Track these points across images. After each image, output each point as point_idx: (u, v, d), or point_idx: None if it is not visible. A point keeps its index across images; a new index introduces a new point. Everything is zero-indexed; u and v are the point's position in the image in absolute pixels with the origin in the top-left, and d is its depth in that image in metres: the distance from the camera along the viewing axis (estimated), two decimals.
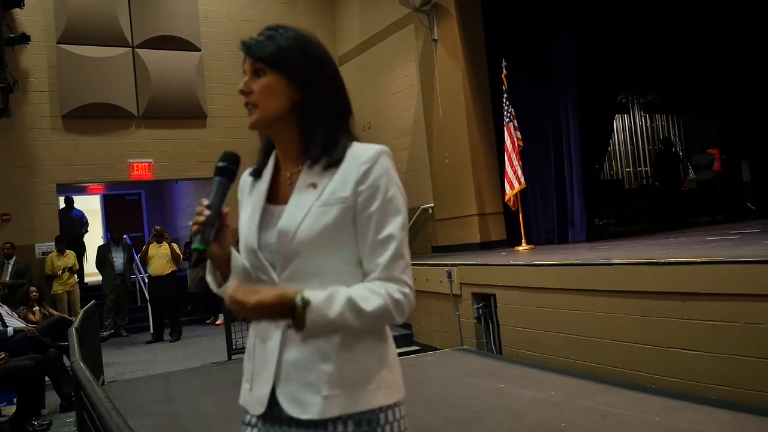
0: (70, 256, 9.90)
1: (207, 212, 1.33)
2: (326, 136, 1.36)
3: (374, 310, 1.25)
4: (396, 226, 1.31)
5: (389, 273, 1.29)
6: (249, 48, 1.39)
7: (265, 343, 1.37)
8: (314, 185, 1.35)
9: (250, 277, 1.39)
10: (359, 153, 1.34)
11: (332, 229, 1.31)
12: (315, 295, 1.23)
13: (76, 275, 10.07)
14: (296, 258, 1.33)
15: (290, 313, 1.22)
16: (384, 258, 1.29)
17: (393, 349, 1.40)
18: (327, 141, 1.36)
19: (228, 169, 1.38)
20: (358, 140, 1.40)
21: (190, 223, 1.35)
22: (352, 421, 1.28)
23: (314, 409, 1.28)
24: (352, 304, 1.23)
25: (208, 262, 1.44)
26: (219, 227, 1.35)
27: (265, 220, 1.40)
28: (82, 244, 11.94)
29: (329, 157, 1.35)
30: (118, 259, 10.40)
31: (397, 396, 1.35)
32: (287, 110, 1.37)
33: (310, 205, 1.33)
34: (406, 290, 1.29)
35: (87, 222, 12.64)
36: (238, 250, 1.44)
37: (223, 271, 1.43)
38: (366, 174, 1.31)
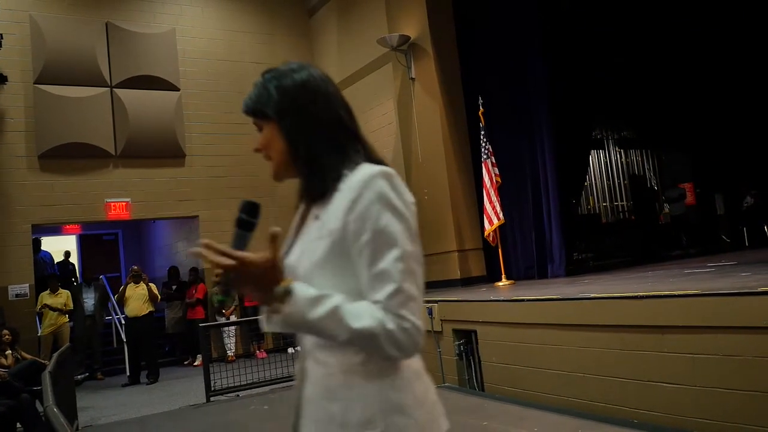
0: (63, 295, 9.72)
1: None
2: (312, 169, 1.34)
3: (360, 329, 1.19)
4: (390, 260, 1.22)
5: (387, 307, 1.21)
6: (243, 108, 1.42)
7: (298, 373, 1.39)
8: (318, 216, 1.33)
9: None
10: (354, 178, 1.28)
11: (324, 264, 1.28)
12: (304, 291, 1.21)
13: (66, 315, 9.80)
14: None
15: (272, 294, 1.20)
16: (381, 295, 1.21)
17: (416, 392, 1.31)
18: (314, 174, 1.34)
19: (244, 221, 1.30)
20: (375, 158, 1.36)
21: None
22: None
23: None
24: (337, 315, 1.19)
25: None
26: None
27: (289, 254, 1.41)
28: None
29: (315, 189, 1.34)
30: (89, 300, 10.24)
31: None
32: (289, 153, 1.37)
33: (310, 239, 1.33)
34: (405, 324, 1.20)
35: (55, 263, 12.48)
36: None
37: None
38: (354, 202, 1.25)
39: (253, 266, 1.19)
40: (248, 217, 1.29)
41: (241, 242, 1.27)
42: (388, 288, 1.21)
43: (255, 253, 1.20)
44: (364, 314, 1.20)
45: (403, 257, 1.23)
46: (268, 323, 1.31)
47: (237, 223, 1.29)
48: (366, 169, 1.28)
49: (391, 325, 1.19)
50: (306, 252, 1.32)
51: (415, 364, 1.33)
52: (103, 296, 10.62)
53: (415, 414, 1.28)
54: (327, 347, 1.28)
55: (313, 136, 1.35)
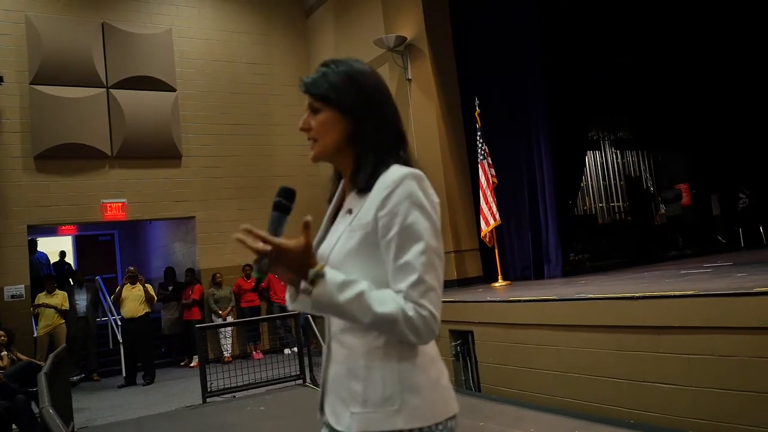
0: (59, 296, 9.70)
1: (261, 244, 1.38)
2: (370, 163, 1.42)
3: (382, 314, 1.29)
4: (414, 253, 1.32)
5: (408, 296, 1.31)
6: (305, 86, 1.49)
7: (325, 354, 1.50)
8: (350, 211, 1.44)
9: None
10: (386, 178, 1.38)
11: (356, 254, 1.39)
12: (334, 276, 1.32)
13: (62, 315, 9.76)
14: None
15: (305, 276, 1.31)
16: (403, 284, 1.31)
17: (430, 375, 1.41)
18: (368, 168, 1.42)
19: (281, 204, 1.40)
20: (409, 162, 1.43)
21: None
22: None
23: (344, 423, 1.39)
24: (362, 300, 1.30)
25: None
26: None
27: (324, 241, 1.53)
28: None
29: (362, 183, 1.42)
30: (81, 302, 10.21)
31: (421, 422, 1.36)
32: (344, 143, 1.46)
33: (342, 231, 1.43)
34: (423, 312, 1.30)
35: (51, 264, 12.42)
36: None
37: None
38: (386, 200, 1.35)
39: (288, 252, 1.29)
40: (285, 201, 1.39)
41: (278, 224, 1.37)
42: (411, 278, 1.31)
43: (290, 240, 1.30)
44: (387, 300, 1.30)
45: (426, 251, 1.33)
46: (293, 303, 1.44)
47: (275, 206, 1.39)
48: (397, 170, 1.38)
49: (411, 312, 1.29)
50: (339, 242, 1.42)
51: (430, 349, 1.44)
52: (95, 297, 10.58)
53: (428, 395, 1.38)
54: (351, 331, 1.40)
55: (377, 133, 1.45)
